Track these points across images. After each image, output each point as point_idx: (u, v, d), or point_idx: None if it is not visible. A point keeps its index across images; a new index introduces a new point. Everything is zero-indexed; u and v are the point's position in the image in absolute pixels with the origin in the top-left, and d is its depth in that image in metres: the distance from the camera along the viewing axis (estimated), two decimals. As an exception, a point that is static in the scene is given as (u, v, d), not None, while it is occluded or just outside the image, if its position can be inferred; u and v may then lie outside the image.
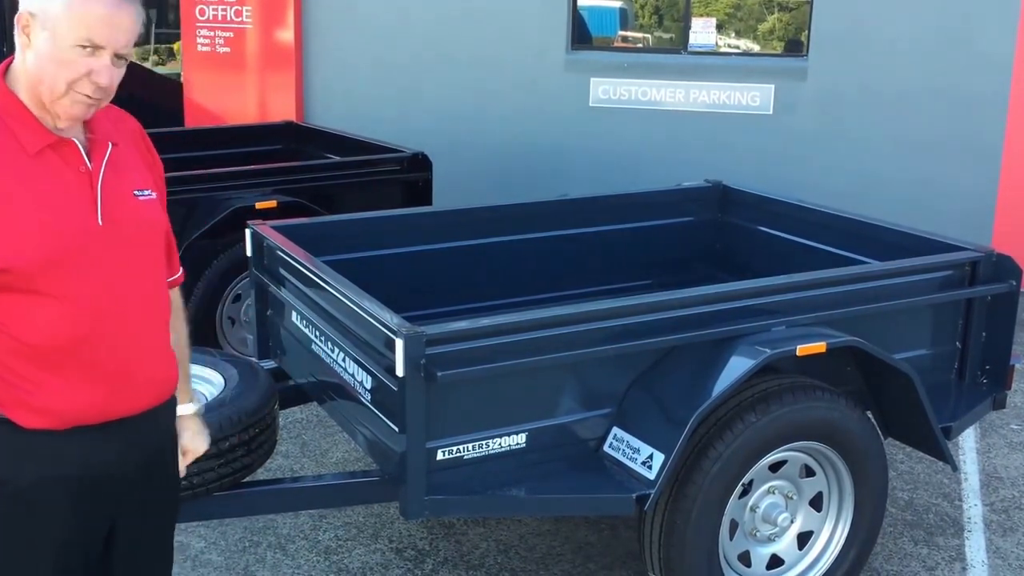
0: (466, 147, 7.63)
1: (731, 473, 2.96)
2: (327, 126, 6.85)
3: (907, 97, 6.97)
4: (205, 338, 4.89)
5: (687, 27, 7.57)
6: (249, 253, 3.71)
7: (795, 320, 3.14)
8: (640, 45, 8.16)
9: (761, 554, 3.25)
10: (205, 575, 3.51)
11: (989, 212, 6.83)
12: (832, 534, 3.31)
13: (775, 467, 3.17)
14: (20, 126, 1.85)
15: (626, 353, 2.96)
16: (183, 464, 2.25)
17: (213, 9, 8.07)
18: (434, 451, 2.75)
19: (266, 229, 3.63)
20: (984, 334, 3.58)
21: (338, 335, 3.08)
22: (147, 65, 10.84)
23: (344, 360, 3.06)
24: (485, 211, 4.28)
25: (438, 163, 5.72)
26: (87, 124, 1.95)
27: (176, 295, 2.20)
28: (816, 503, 3.29)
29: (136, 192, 1.98)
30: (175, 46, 8.98)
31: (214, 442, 2.73)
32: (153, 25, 11.62)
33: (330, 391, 3.27)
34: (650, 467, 2.83)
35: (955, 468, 3.51)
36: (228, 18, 8.07)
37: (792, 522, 3.26)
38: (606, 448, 2.98)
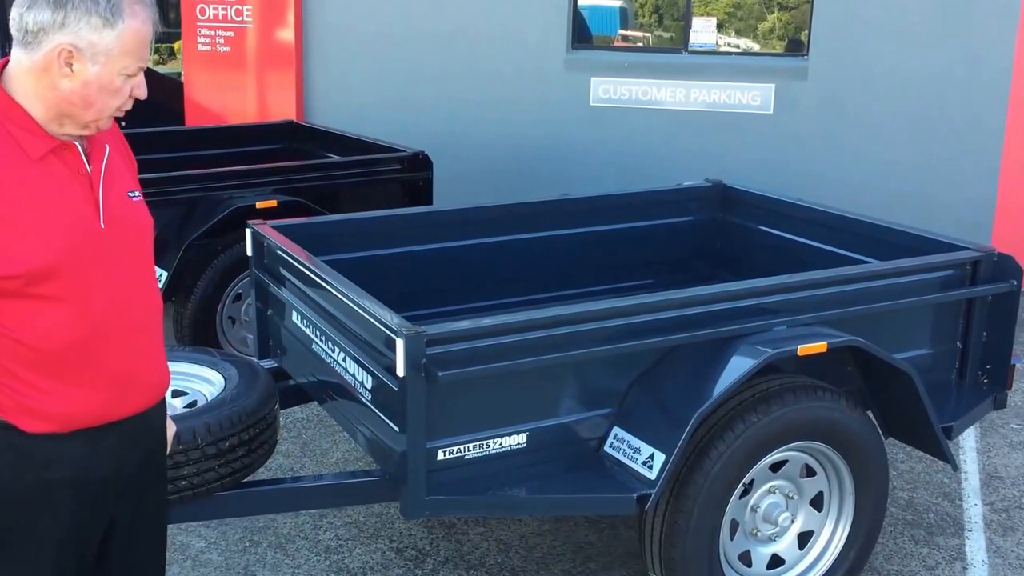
0: (466, 147, 7.62)
1: (732, 473, 2.96)
2: (327, 125, 6.86)
3: (907, 96, 6.96)
4: (205, 338, 4.90)
5: (687, 26, 7.57)
6: (249, 253, 3.71)
7: (796, 320, 3.14)
8: (640, 44, 8.15)
9: (762, 554, 3.25)
10: (205, 575, 3.51)
11: (989, 211, 6.83)
12: (833, 534, 3.31)
13: (776, 467, 3.17)
14: (22, 131, 1.85)
15: (627, 353, 2.96)
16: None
17: (213, 8, 8.07)
18: (435, 451, 2.75)
19: (266, 229, 3.63)
20: (985, 334, 3.58)
21: (338, 335, 3.08)
22: (147, 65, 10.82)
23: (344, 360, 3.05)
24: (485, 211, 4.28)
25: (438, 163, 5.72)
26: None
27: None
28: (817, 503, 3.29)
29: (129, 194, 2.00)
30: (175, 45, 8.98)
31: (214, 442, 2.75)
32: (153, 24, 11.58)
33: (330, 391, 3.27)
34: (651, 467, 2.83)
35: (956, 468, 3.52)
36: (228, 17, 8.06)
37: (793, 522, 3.26)
38: (607, 448, 2.98)
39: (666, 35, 8.02)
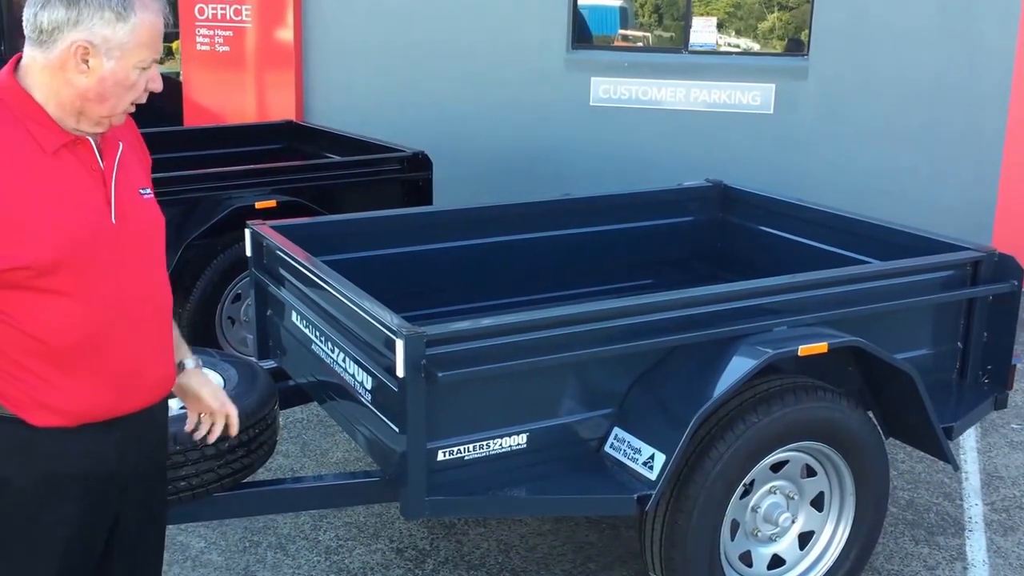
0: (466, 147, 7.62)
1: (732, 473, 2.96)
2: (327, 125, 6.84)
3: (908, 96, 6.96)
4: (205, 338, 4.89)
5: (687, 26, 7.57)
6: (249, 253, 3.70)
7: (797, 320, 3.14)
8: (640, 44, 8.15)
9: (762, 554, 3.25)
10: (205, 575, 3.50)
11: (990, 211, 6.82)
12: (833, 534, 3.30)
13: (776, 467, 3.17)
14: (37, 126, 1.87)
15: (627, 353, 2.95)
16: (234, 414, 2.30)
17: (212, 8, 8.06)
18: (435, 451, 2.75)
19: (266, 229, 3.62)
20: (986, 334, 3.57)
21: (338, 335, 3.08)
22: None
23: (344, 360, 3.05)
24: (485, 211, 4.27)
25: (438, 163, 5.72)
26: None
27: None
28: (817, 503, 3.28)
29: (141, 191, 2.02)
30: (174, 45, 8.96)
31: (214, 443, 2.74)
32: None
33: (330, 391, 3.26)
34: (651, 467, 2.82)
35: (957, 468, 3.52)
36: (227, 17, 8.06)
37: (793, 522, 3.26)
38: (607, 448, 2.98)
39: (666, 35, 8.01)
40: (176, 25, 8.32)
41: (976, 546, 3.79)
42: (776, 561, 3.28)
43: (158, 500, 2.22)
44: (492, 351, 2.74)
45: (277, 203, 4.95)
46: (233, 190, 5.03)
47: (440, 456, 2.76)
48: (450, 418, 2.75)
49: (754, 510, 3.18)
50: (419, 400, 2.64)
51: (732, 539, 3.16)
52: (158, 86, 1.94)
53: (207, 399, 2.27)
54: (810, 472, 3.25)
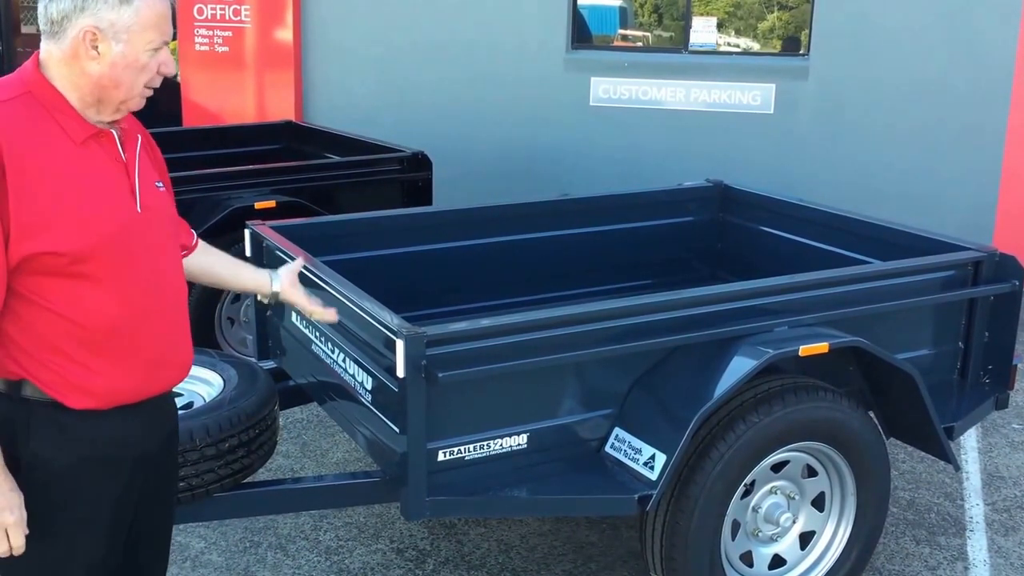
0: (466, 147, 7.61)
1: (733, 473, 2.95)
2: (326, 126, 6.84)
3: (909, 96, 6.96)
4: (204, 338, 4.88)
5: (687, 26, 7.56)
6: (248, 253, 3.70)
7: (797, 320, 3.13)
8: (640, 44, 8.14)
9: (763, 554, 3.25)
10: (206, 575, 3.50)
11: (990, 212, 6.82)
12: (834, 534, 3.30)
13: (777, 467, 3.16)
14: (65, 118, 1.94)
15: (628, 353, 2.95)
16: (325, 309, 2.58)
17: (211, 8, 8.06)
18: (435, 452, 2.74)
19: (265, 229, 3.62)
20: (987, 334, 3.57)
21: (338, 335, 3.07)
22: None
23: (344, 361, 3.05)
24: (485, 211, 4.27)
25: (438, 163, 5.71)
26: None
27: (203, 245, 2.43)
28: (818, 503, 3.28)
29: (156, 184, 2.11)
30: (172, 45, 8.97)
31: (214, 443, 2.74)
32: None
33: (330, 392, 3.26)
34: (652, 468, 2.82)
35: (958, 468, 3.51)
36: (227, 17, 8.05)
37: (794, 522, 3.25)
38: (608, 449, 2.97)
39: (666, 35, 8.01)
40: (175, 25, 8.31)
41: (977, 546, 3.79)
42: (777, 561, 3.28)
43: (171, 485, 2.31)
44: (492, 351, 2.74)
45: (277, 203, 4.95)
46: (232, 190, 5.02)
47: (440, 456, 2.76)
48: (450, 418, 2.74)
49: (755, 510, 3.18)
50: (419, 400, 2.64)
51: (733, 539, 3.15)
52: (170, 69, 1.98)
53: (305, 307, 2.59)
54: (811, 472, 3.24)
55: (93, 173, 1.94)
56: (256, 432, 2.89)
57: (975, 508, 4.06)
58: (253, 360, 3.50)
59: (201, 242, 2.43)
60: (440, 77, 7.78)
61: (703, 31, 7.55)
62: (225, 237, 4.79)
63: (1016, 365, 3.59)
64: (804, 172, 7.09)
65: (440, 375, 2.62)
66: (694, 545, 2.95)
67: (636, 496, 2.81)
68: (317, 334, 3.25)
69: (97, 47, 1.91)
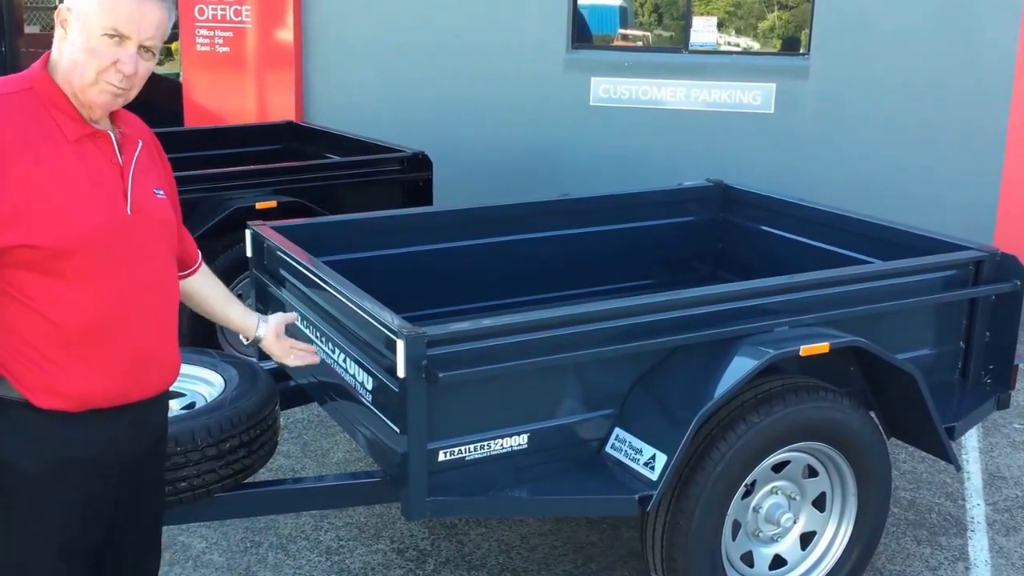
0: (466, 147, 7.61)
1: (734, 474, 2.95)
2: (327, 126, 6.84)
3: (909, 95, 6.95)
4: (205, 338, 4.88)
5: (688, 26, 7.56)
6: (249, 253, 3.70)
7: (798, 320, 3.13)
8: (640, 44, 8.14)
9: (764, 554, 3.24)
10: (207, 575, 3.50)
11: (991, 212, 6.81)
12: (835, 534, 3.30)
13: (778, 467, 3.16)
14: (62, 115, 1.95)
15: (628, 353, 2.95)
16: (285, 346, 2.52)
17: (212, 8, 8.06)
18: (435, 452, 2.74)
19: (266, 229, 3.62)
20: (988, 334, 3.57)
21: (339, 336, 3.07)
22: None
23: (345, 361, 3.05)
24: (485, 211, 4.27)
25: (438, 163, 5.71)
26: (117, 121, 2.07)
27: (205, 269, 2.46)
28: (819, 503, 3.28)
29: (156, 191, 2.10)
30: (174, 46, 8.97)
31: (215, 443, 2.74)
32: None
33: (331, 392, 3.26)
34: (652, 468, 2.82)
35: (959, 468, 3.51)
36: (227, 17, 8.05)
37: (795, 522, 3.25)
38: (608, 449, 2.97)
39: (666, 34, 8.01)
40: (176, 26, 8.32)
41: (978, 546, 3.78)
42: (778, 561, 3.27)
43: (157, 490, 2.29)
44: (493, 351, 2.74)
45: (277, 204, 4.95)
46: (233, 191, 5.02)
47: (441, 456, 2.75)
48: (451, 418, 2.74)
49: (756, 510, 3.18)
50: (420, 400, 2.64)
51: (734, 539, 3.15)
52: (127, 68, 1.94)
53: (284, 361, 2.56)
54: (812, 472, 3.24)
55: (83, 171, 1.94)
56: (257, 432, 2.89)
57: (976, 508, 4.06)
58: (254, 360, 3.50)
59: (204, 266, 2.43)
60: (440, 77, 7.78)
61: (703, 31, 7.55)
62: (226, 237, 4.81)
63: (1017, 365, 3.59)
64: (804, 172, 7.08)
65: (440, 375, 2.61)
66: (695, 545, 2.95)
67: (637, 496, 2.81)
68: (318, 335, 3.25)
69: (66, 28, 1.95)
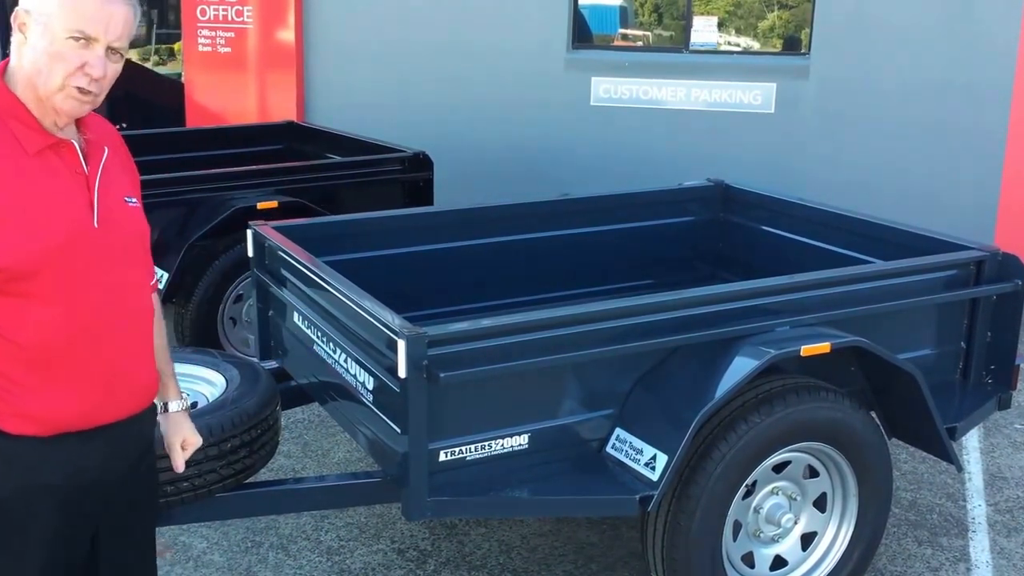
0: (467, 147, 7.61)
1: (735, 474, 2.95)
2: (328, 126, 6.84)
3: (909, 95, 6.95)
4: (206, 339, 4.89)
5: (688, 25, 7.56)
6: (251, 253, 3.70)
7: (799, 320, 3.13)
8: (641, 44, 8.14)
9: (765, 555, 3.24)
10: (207, 575, 3.50)
11: (992, 212, 6.81)
12: (836, 535, 3.30)
13: (779, 468, 3.16)
14: (20, 126, 1.85)
15: (629, 354, 2.95)
16: (184, 457, 2.27)
17: (214, 9, 8.06)
18: (436, 452, 2.74)
19: (267, 229, 3.62)
20: (989, 334, 3.56)
21: (340, 336, 3.07)
22: (148, 65, 10.85)
23: (346, 361, 3.05)
24: (485, 211, 4.27)
25: (439, 163, 5.71)
26: (82, 128, 1.96)
27: (154, 297, 2.18)
28: (820, 504, 3.28)
29: (126, 199, 2.00)
30: (176, 46, 8.98)
31: (216, 443, 2.74)
32: (154, 25, 11.62)
33: (332, 392, 3.26)
34: (653, 468, 2.81)
35: (960, 469, 3.50)
36: (229, 18, 8.06)
37: (796, 523, 3.25)
38: (609, 449, 2.97)
39: (666, 34, 8.01)
40: (178, 26, 8.33)
41: (979, 547, 3.78)
42: (779, 562, 3.27)
43: (144, 510, 2.18)
44: (493, 351, 2.73)
45: (279, 204, 4.95)
46: (235, 191, 5.03)
47: (442, 456, 2.75)
48: (452, 418, 2.74)
49: (756, 511, 3.17)
50: (421, 400, 2.64)
51: (734, 540, 3.15)
52: (95, 71, 1.84)
53: (185, 436, 2.26)
54: (812, 473, 3.24)
55: (44, 186, 1.83)
56: (258, 432, 2.89)
57: (977, 509, 4.05)
58: (255, 360, 3.50)
59: (155, 306, 2.16)
60: (440, 77, 7.78)
61: (704, 30, 7.55)
62: (227, 237, 4.82)
63: (1019, 365, 3.58)
64: (805, 171, 7.08)
65: (441, 375, 2.61)
66: (695, 546, 2.95)
67: (637, 497, 2.81)
68: (319, 334, 3.25)
69: (25, 32, 1.84)
